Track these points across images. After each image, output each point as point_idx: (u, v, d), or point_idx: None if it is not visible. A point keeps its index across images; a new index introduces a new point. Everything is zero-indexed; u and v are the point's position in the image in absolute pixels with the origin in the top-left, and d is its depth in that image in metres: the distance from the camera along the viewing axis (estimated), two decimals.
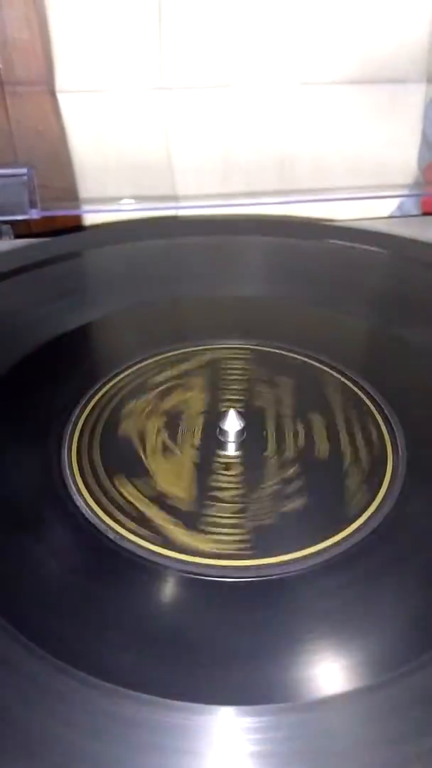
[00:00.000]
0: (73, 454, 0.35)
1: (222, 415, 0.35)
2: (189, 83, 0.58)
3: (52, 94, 0.57)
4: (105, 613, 0.27)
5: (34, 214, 0.54)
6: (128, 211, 0.58)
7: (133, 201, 0.58)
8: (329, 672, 0.26)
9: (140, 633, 0.27)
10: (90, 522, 0.31)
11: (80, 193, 0.60)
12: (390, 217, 0.64)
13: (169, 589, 0.29)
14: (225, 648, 0.26)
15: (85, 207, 0.60)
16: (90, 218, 0.62)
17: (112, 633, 0.27)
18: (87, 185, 0.60)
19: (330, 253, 0.53)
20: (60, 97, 0.57)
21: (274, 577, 0.29)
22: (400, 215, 0.65)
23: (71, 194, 0.59)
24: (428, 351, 0.42)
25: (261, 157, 0.61)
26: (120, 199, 0.58)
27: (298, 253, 0.53)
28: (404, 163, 0.63)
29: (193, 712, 0.24)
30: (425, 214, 0.65)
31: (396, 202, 0.64)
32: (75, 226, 0.61)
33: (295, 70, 0.59)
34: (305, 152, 0.62)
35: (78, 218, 0.61)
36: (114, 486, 0.33)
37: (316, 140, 0.62)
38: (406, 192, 0.64)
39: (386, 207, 0.64)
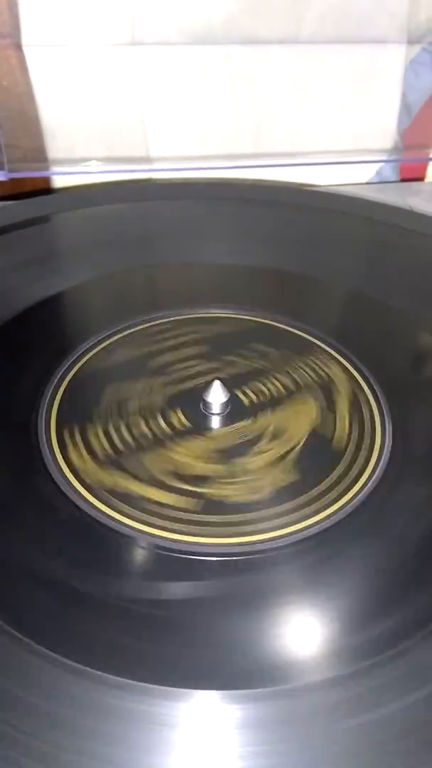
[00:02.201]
0: (52, 432, 0.33)
1: (206, 387, 0.34)
2: (163, 38, 0.55)
3: (18, 47, 0.54)
4: (80, 596, 0.26)
5: (0, 176, 0.51)
6: (100, 173, 0.56)
7: (104, 162, 0.55)
8: (311, 657, 0.25)
9: (114, 615, 0.26)
10: (67, 496, 0.30)
11: (49, 154, 0.57)
12: (368, 183, 0.63)
13: (147, 569, 0.28)
14: (204, 631, 0.26)
15: (55, 168, 0.57)
16: (59, 180, 0.59)
17: (86, 615, 0.26)
18: (56, 145, 0.57)
19: (307, 218, 0.52)
20: (26, 51, 0.54)
21: (254, 556, 0.28)
22: (379, 181, 0.63)
23: (39, 155, 0.57)
24: (410, 317, 0.41)
25: (237, 119, 0.59)
26: (91, 160, 0.56)
27: (275, 219, 0.51)
28: (383, 127, 0.62)
29: (170, 697, 0.23)
30: (404, 180, 0.64)
31: (374, 167, 0.63)
32: (43, 188, 0.58)
33: (273, 29, 0.57)
34: (283, 114, 0.60)
35: (47, 180, 0.59)
36: (138, 494, 0.31)
37: (294, 102, 0.60)
38: (384, 157, 0.62)
39: (365, 172, 0.63)
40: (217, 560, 0.28)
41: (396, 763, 0.22)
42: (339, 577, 0.28)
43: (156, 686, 0.23)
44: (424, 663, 0.24)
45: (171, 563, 0.28)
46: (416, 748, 0.22)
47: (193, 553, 0.28)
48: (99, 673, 0.23)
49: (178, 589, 0.27)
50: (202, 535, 0.29)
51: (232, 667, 0.24)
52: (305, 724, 0.23)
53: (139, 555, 0.28)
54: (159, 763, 0.22)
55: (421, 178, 0.64)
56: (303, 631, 0.26)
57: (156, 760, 0.22)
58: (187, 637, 0.25)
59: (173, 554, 0.28)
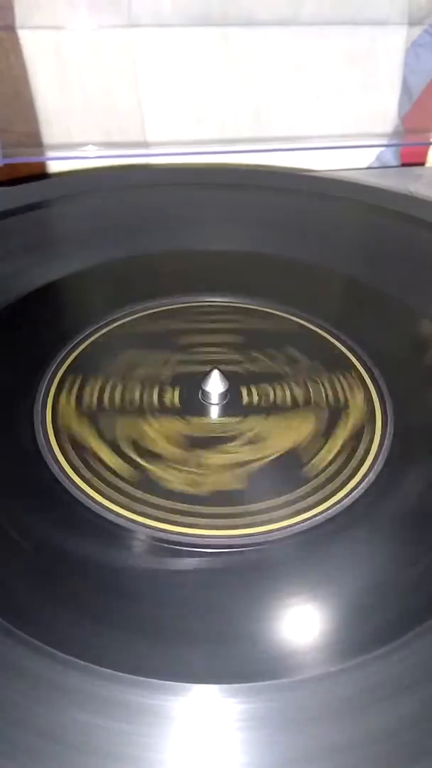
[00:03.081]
0: (48, 418, 0.33)
1: (205, 376, 0.34)
2: (159, 21, 0.54)
3: (12, 29, 0.53)
4: (76, 588, 0.26)
5: None
6: (96, 158, 0.55)
7: (101, 147, 0.55)
8: (310, 650, 0.25)
9: (110, 609, 0.25)
10: (65, 488, 0.29)
11: (44, 139, 0.57)
12: (368, 168, 0.62)
13: (143, 563, 0.28)
14: (202, 625, 0.25)
15: (50, 153, 0.57)
16: (55, 165, 0.58)
17: (79, 609, 0.25)
18: (51, 130, 0.56)
19: (308, 204, 0.51)
20: (20, 33, 0.53)
21: (252, 548, 0.27)
22: (379, 166, 0.63)
23: (35, 139, 0.56)
24: (405, 303, 0.41)
25: (236, 102, 0.58)
26: (87, 145, 0.55)
27: (273, 204, 0.50)
28: (384, 111, 0.61)
29: (170, 691, 0.23)
30: (404, 164, 0.63)
31: (375, 152, 0.62)
32: (39, 174, 0.58)
33: (271, 11, 0.56)
34: (282, 98, 0.59)
35: (42, 165, 0.58)
36: (91, 449, 0.31)
37: (293, 86, 0.59)
38: (385, 141, 0.62)
39: (365, 157, 0.62)
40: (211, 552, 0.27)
41: (397, 756, 0.22)
42: (337, 572, 0.27)
43: (155, 680, 0.23)
44: (424, 656, 0.24)
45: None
46: (418, 740, 0.22)
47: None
48: (96, 667, 0.23)
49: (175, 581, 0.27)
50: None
51: (229, 661, 0.24)
52: (305, 717, 0.23)
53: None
54: (159, 759, 0.22)
55: (422, 163, 0.63)
56: (301, 625, 0.26)
57: (156, 755, 0.22)
58: (184, 631, 0.25)
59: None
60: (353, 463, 0.31)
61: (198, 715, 0.23)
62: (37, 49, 0.54)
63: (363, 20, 0.57)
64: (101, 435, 0.32)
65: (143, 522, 0.28)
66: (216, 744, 0.22)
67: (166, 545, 0.27)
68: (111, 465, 0.30)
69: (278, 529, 0.28)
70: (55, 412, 0.33)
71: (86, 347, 0.37)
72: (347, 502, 0.29)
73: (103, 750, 0.21)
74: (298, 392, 0.35)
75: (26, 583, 0.26)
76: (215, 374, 0.33)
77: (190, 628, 0.25)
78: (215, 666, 0.24)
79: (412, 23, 0.58)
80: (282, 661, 0.24)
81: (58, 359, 0.36)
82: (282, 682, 0.23)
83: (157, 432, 0.32)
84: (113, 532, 0.28)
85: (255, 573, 0.27)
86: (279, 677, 0.23)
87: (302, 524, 0.28)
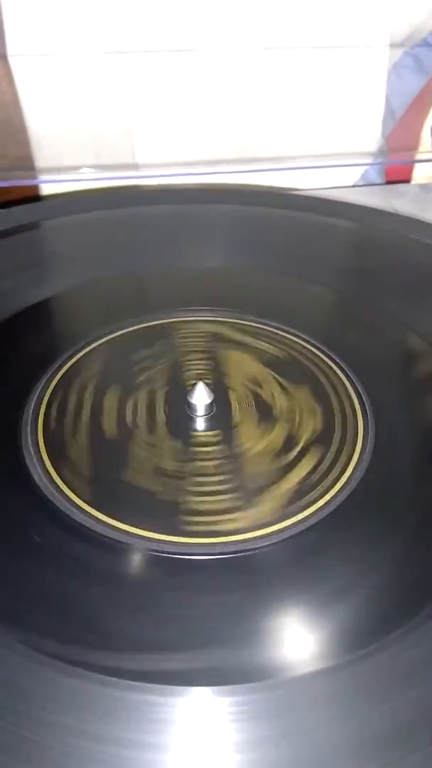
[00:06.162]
0: (39, 436, 0.33)
1: (190, 389, 0.34)
2: (147, 47, 0.56)
3: (4, 58, 0.55)
4: (70, 594, 0.27)
5: None
6: (87, 180, 0.56)
7: (92, 170, 0.56)
8: (302, 650, 0.25)
9: (105, 614, 0.26)
10: (53, 501, 0.30)
11: (36, 162, 0.58)
12: (354, 186, 0.64)
13: (136, 569, 0.28)
14: (195, 628, 0.26)
15: (42, 177, 0.58)
16: (47, 188, 0.59)
17: (78, 614, 0.26)
18: (43, 154, 0.57)
19: (293, 222, 0.52)
20: (12, 61, 0.55)
21: (242, 554, 0.28)
22: (364, 184, 0.64)
23: (27, 163, 0.57)
24: (390, 318, 0.41)
25: (223, 125, 0.60)
26: (78, 168, 0.56)
27: (260, 224, 0.51)
28: (368, 131, 0.62)
29: (165, 694, 0.23)
30: (389, 182, 0.64)
31: (360, 170, 0.63)
32: (32, 196, 0.59)
33: (257, 35, 0.57)
34: (268, 120, 0.60)
35: (35, 188, 0.59)
36: (79, 466, 0.32)
37: (278, 107, 0.60)
38: (369, 160, 0.63)
39: (350, 176, 0.64)
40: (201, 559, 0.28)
41: (393, 752, 0.22)
42: (328, 572, 0.28)
43: (150, 684, 0.23)
44: (413, 654, 0.25)
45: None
46: (414, 735, 0.22)
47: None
48: (89, 673, 0.24)
49: (166, 585, 0.27)
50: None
51: (222, 663, 0.25)
52: (299, 717, 0.23)
53: (131, 560, 0.29)
54: (155, 760, 0.22)
55: (406, 181, 0.65)
56: (293, 624, 0.26)
57: (152, 756, 0.22)
58: (177, 632, 0.25)
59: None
60: (335, 471, 0.32)
61: (195, 717, 0.23)
62: (28, 75, 0.56)
63: (346, 43, 0.59)
64: (89, 451, 0.32)
65: (132, 531, 0.29)
66: (214, 745, 0.22)
67: (156, 553, 0.28)
68: (100, 477, 0.31)
69: (270, 534, 0.29)
70: (44, 429, 0.33)
71: (73, 364, 0.37)
72: (333, 505, 0.30)
73: (99, 753, 0.22)
74: (282, 401, 0.36)
75: (18, 588, 0.27)
76: (200, 387, 0.34)
77: (182, 631, 0.26)
78: (210, 668, 0.24)
79: (393, 45, 0.60)
80: (276, 662, 0.25)
81: (44, 379, 0.36)
82: (276, 682, 0.24)
83: (145, 444, 0.33)
84: (107, 543, 0.28)
85: (246, 576, 0.27)
86: (273, 677, 0.24)
87: (291, 528, 0.29)
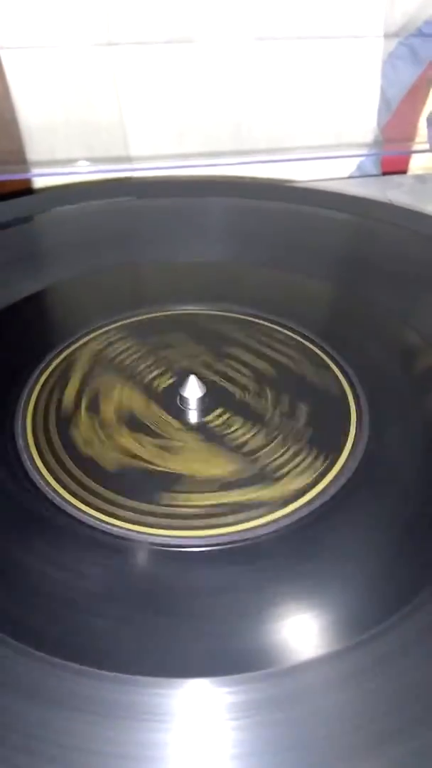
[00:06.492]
0: (28, 427, 0.33)
1: (183, 382, 0.34)
2: (138, 38, 0.55)
3: None
4: (65, 588, 0.26)
5: None
6: (80, 173, 0.56)
7: (84, 163, 0.55)
8: (303, 637, 0.25)
9: (103, 607, 0.26)
10: (46, 495, 0.30)
11: (28, 156, 0.57)
12: (350, 177, 0.63)
13: (135, 560, 0.28)
14: (194, 618, 0.26)
15: (35, 170, 0.57)
16: (40, 181, 0.59)
17: (73, 607, 0.26)
18: (35, 147, 0.57)
19: (289, 214, 0.52)
20: (2, 53, 0.54)
21: (240, 544, 0.28)
22: (359, 175, 0.63)
23: (18, 157, 0.57)
24: (386, 311, 0.41)
25: (217, 116, 0.59)
26: (71, 161, 0.56)
27: (255, 215, 0.51)
28: (363, 122, 0.62)
29: (163, 686, 0.23)
30: (385, 173, 0.64)
31: (355, 161, 0.63)
32: (24, 189, 0.58)
33: (250, 25, 0.57)
34: (262, 111, 0.60)
35: (27, 182, 0.59)
36: (70, 458, 0.32)
37: (273, 98, 0.60)
38: (365, 151, 0.62)
39: (345, 167, 0.63)
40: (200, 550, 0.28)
41: (390, 740, 0.22)
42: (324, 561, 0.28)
43: (147, 677, 0.23)
44: (409, 639, 0.25)
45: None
46: (411, 723, 0.22)
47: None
48: (86, 668, 0.23)
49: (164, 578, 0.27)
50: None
51: (219, 653, 0.24)
52: (296, 705, 0.23)
53: (128, 551, 0.28)
54: (154, 756, 0.22)
55: (402, 171, 0.64)
56: (289, 613, 0.26)
57: (150, 752, 0.22)
58: (173, 626, 0.25)
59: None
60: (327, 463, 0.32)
61: (193, 708, 0.23)
62: (19, 67, 0.55)
63: (341, 34, 0.58)
64: (83, 443, 0.32)
65: (129, 527, 0.29)
66: (212, 736, 0.22)
67: (154, 547, 0.28)
68: (94, 472, 0.31)
69: (266, 524, 0.29)
70: (35, 419, 0.33)
71: (66, 357, 0.37)
72: (329, 494, 0.30)
73: (99, 748, 0.22)
74: (277, 393, 0.35)
75: (13, 589, 0.26)
76: (192, 379, 0.34)
77: (180, 623, 0.25)
78: (207, 659, 0.24)
79: (388, 36, 0.59)
80: (272, 651, 0.25)
81: (37, 371, 0.36)
82: (274, 671, 0.24)
83: (138, 436, 0.33)
84: (101, 537, 0.28)
85: (242, 567, 0.27)
86: (271, 666, 0.24)
87: (285, 519, 0.29)
